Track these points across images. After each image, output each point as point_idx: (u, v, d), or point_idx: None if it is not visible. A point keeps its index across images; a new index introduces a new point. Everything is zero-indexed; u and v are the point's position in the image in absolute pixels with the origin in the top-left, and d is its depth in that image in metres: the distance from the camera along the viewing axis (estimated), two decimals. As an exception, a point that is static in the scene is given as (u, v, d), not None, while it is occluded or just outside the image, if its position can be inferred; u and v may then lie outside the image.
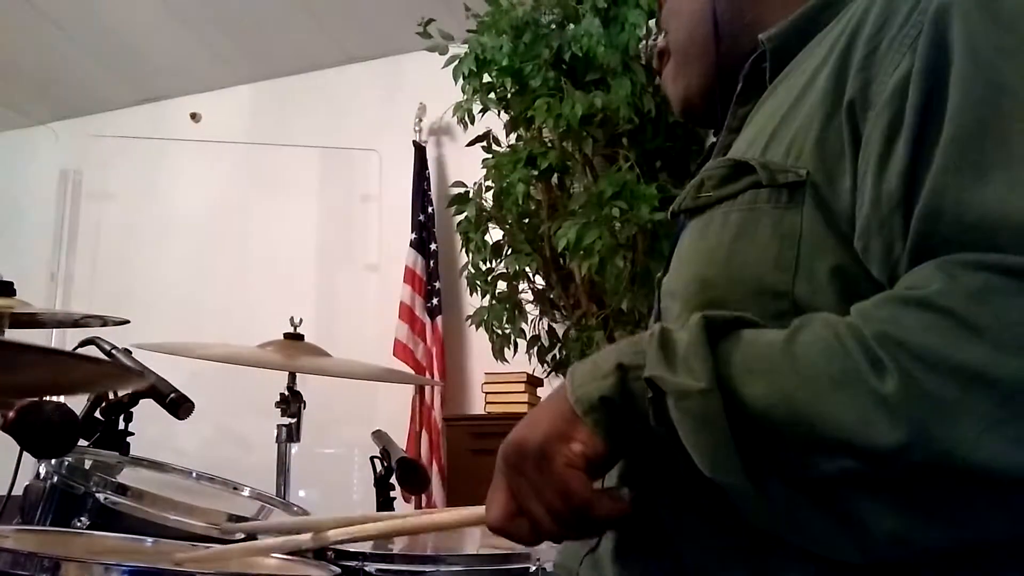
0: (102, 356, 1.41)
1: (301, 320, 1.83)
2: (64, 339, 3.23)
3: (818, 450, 0.52)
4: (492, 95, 2.79)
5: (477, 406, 3.30)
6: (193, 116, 4.12)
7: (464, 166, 3.33)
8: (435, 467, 3.20)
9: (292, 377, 1.79)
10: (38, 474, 1.19)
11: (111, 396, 1.40)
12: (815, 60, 0.66)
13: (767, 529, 0.57)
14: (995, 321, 0.48)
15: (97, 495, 1.12)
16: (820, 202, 0.60)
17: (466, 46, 2.75)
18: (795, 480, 0.54)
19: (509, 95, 2.76)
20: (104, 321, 1.67)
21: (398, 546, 1.46)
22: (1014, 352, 0.48)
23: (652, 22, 0.97)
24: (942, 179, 0.53)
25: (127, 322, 1.71)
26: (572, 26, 2.61)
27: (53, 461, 1.16)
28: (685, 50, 0.84)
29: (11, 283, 1.51)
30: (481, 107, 2.82)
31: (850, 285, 0.58)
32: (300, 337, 1.79)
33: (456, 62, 2.76)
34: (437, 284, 3.47)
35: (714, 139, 0.84)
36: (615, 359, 0.60)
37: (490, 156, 2.83)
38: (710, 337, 0.56)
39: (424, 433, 3.29)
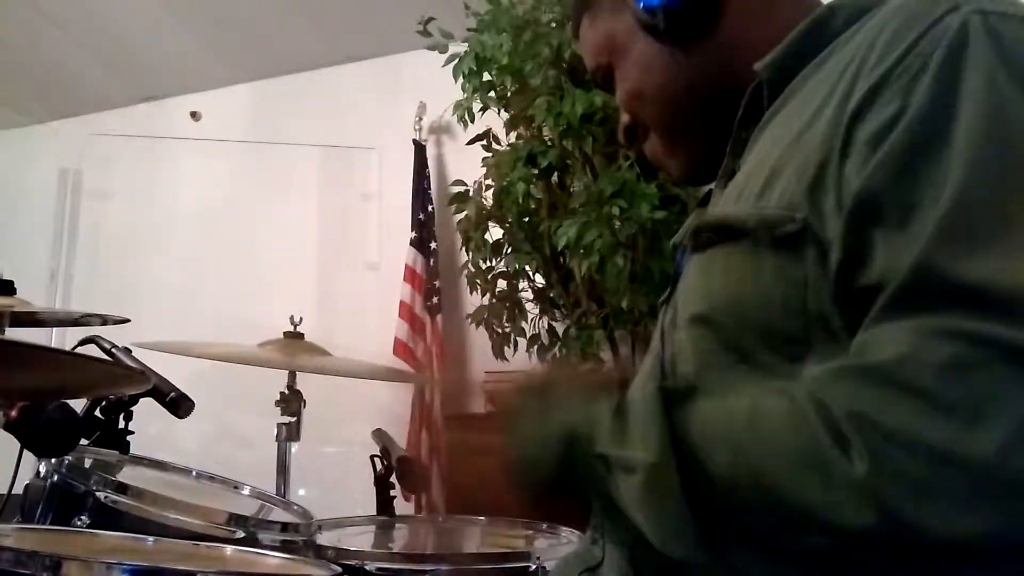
0: (102, 356, 1.41)
1: (301, 319, 1.83)
2: (64, 338, 3.23)
3: (788, 526, 0.51)
4: (492, 94, 2.78)
5: (477, 405, 3.30)
6: (193, 115, 4.12)
7: (464, 165, 3.32)
8: (435, 466, 3.20)
9: (292, 376, 1.80)
10: (38, 473, 1.19)
11: (111, 395, 1.40)
12: (821, 90, 0.64)
13: None
14: (965, 397, 0.46)
15: (97, 494, 1.13)
16: (822, 251, 0.58)
17: (466, 45, 2.75)
18: (764, 549, 0.53)
19: (509, 94, 2.76)
20: (104, 320, 1.67)
21: (398, 545, 1.46)
22: (984, 429, 0.46)
23: None
24: (935, 242, 0.51)
25: (127, 321, 1.71)
26: (572, 25, 2.60)
27: (53, 460, 1.16)
28: (671, 127, 0.82)
29: (11, 282, 1.51)
30: (481, 106, 2.81)
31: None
32: (300, 336, 1.79)
33: (456, 61, 2.76)
34: (437, 283, 3.47)
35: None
36: (566, 429, 0.60)
37: (490, 155, 2.83)
38: (666, 407, 0.55)
39: (424, 432, 3.29)
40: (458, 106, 2.83)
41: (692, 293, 0.69)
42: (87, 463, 1.29)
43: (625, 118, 0.87)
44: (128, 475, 1.33)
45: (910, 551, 0.48)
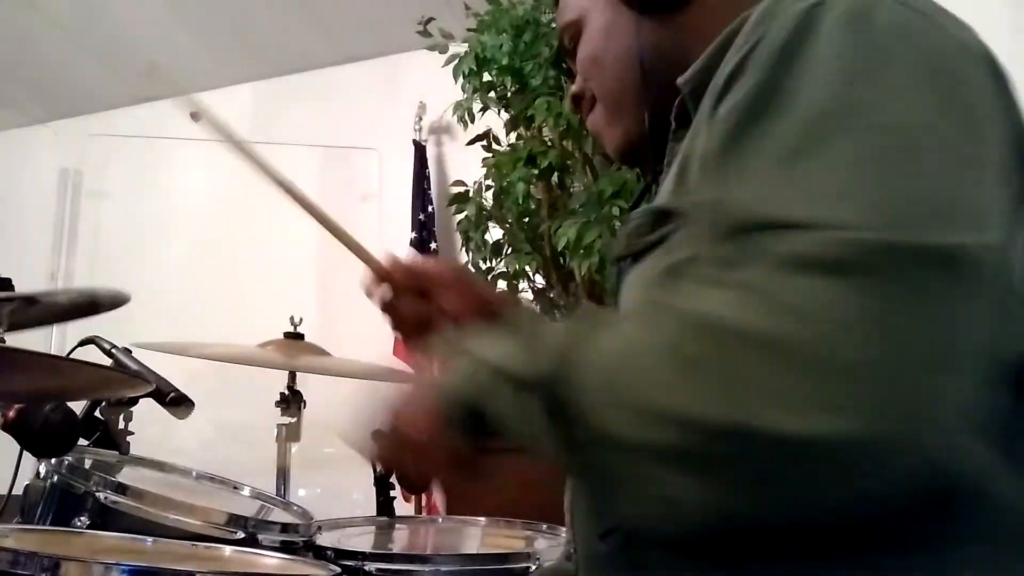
0: (103, 357, 1.42)
1: (301, 319, 1.83)
2: (64, 338, 3.23)
3: (639, 427, 0.50)
4: (492, 94, 2.78)
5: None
6: (193, 115, 4.11)
7: (464, 165, 3.32)
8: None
9: (292, 376, 1.80)
10: (38, 473, 1.19)
11: (111, 396, 1.40)
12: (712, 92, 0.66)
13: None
14: (799, 299, 0.47)
15: (97, 494, 1.12)
16: None
17: (466, 45, 2.75)
18: (611, 448, 0.52)
19: (509, 94, 2.76)
20: (98, 305, 1.65)
21: (398, 546, 1.46)
22: (824, 331, 0.46)
23: None
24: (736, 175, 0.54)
25: (127, 300, 1.69)
26: (572, 25, 2.60)
27: (53, 460, 1.16)
28: (617, 98, 0.83)
29: (9, 279, 1.51)
30: (481, 106, 2.81)
31: None
32: (300, 336, 1.79)
33: (456, 61, 2.76)
34: (437, 283, 3.47)
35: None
36: (468, 357, 0.62)
37: (490, 155, 2.83)
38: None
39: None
40: (458, 106, 2.83)
41: (631, 301, 0.70)
42: (87, 464, 1.29)
43: (576, 85, 0.88)
44: (128, 476, 1.33)
45: (739, 454, 0.47)
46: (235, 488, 1.45)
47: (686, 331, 0.49)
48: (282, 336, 1.78)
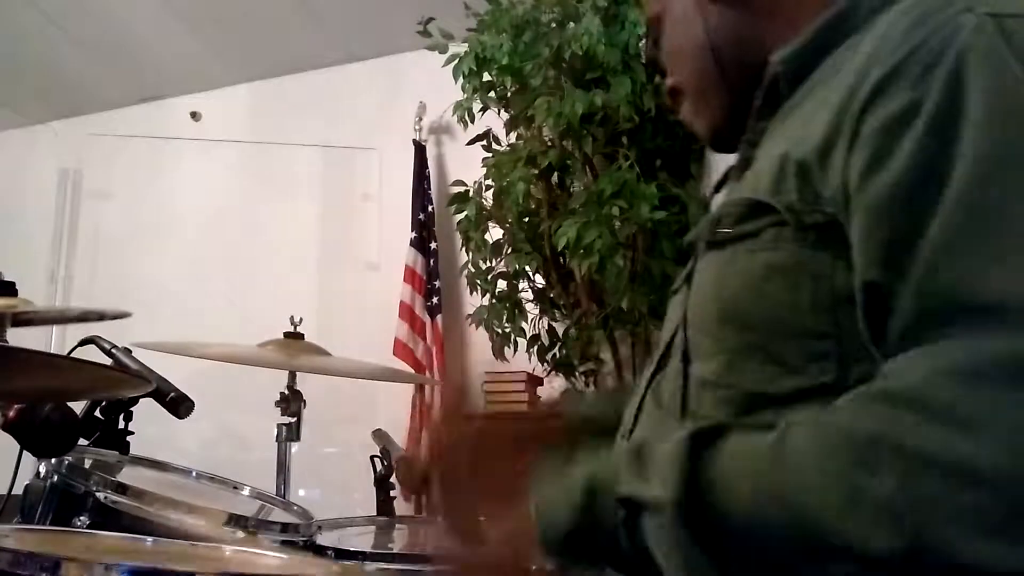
0: (103, 357, 1.41)
1: (301, 319, 1.83)
2: (64, 339, 3.23)
3: (810, 554, 0.49)
4: (492, 94, 2.78)
5: (477, 405, 3.30)
6: (193, 115, 4.12)
7: (464, 165, 3.32)
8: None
9: (292, 376, 1.80)
10: (38, 473, 1.19)
11: (111, 396, 1.39)
12: (835, 84, 0.63)
13: None
14: (987, 415, 0.46)
15: (97, 494, 1.13)
16: (844, 241, 0.58)
17: (466, 45, 2.75)
18: None
19: (509, 94, 2.76)
20: (102, 316, 1.66)
21: (398, 546, 1.46)
22: (1005, 449, 0.45)
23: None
24: (943, 255, 0.50)
25: (128, 315, 1.70)
26: (572, 25, 2.61)
27: (53, 460, 1.16)
28: (697, 88, 0.82)
29: (13, 283, 1.51)
30: (481, 106, 2.81)
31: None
32: (300, 336, 1.79)
33: (456, 61, 2.76)
34: (437, 283, 3.47)
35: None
36: (587, 475, 0.60)
37: (490, 155, 2.83)
38: (694, 448, 0.54)
39: (424, 432, 3.29)
40: (458, 106, 2.83)
41: (712, 290, 0.68)
42: (87, 464, 1.29)
43: (669, 80, 0.87)
44: (128, 476, 1.33)
45: None
46: (235, 488, 1.45)
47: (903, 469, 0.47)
48: (282, 336, 1.78)
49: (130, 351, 1.46)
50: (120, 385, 1.04)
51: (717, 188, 0.84)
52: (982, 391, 0.47)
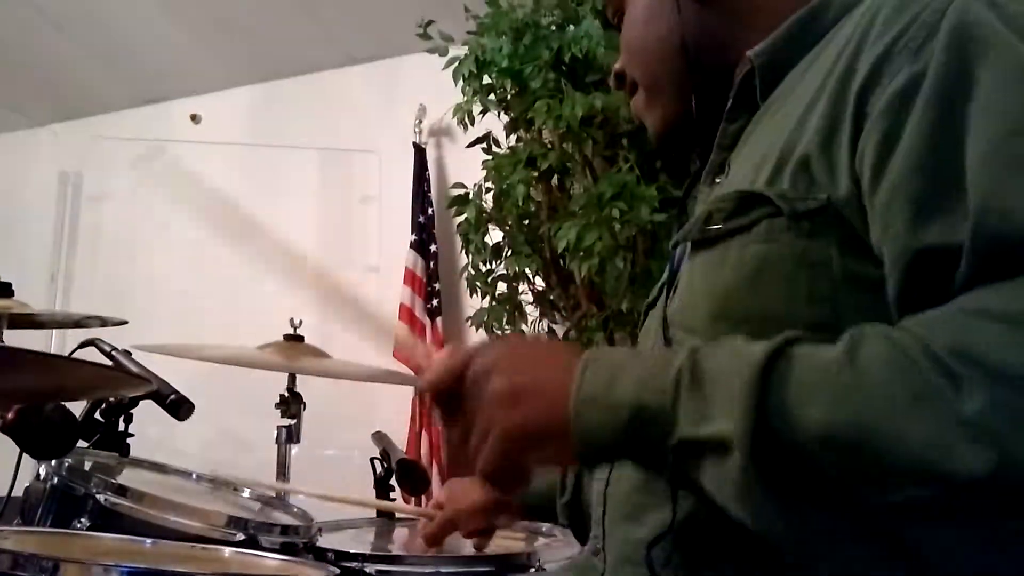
0: (103, 359, 1.42)
1: (301, 321, 1.83)
2: (64, 340, 3.23)
3: (884, 478, 0.46)
4: (492, 96, 2.79)
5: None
6: (193, 117, 4.12)
7: (464, 167, 3.32)
8: (435, 468, 3.20)
9: (292, 378, 1.79)
10: (38, 475, 1.19)
11: (111, 397, 1.40)
12: (819, 75, 0.63)
13: (799, 559, 0.53)
14: None
15: (97, 496, 1.12)
16: (846, 227, 0.57)
17: (466, 47, 2.75)
18: (841, 511, 0.49)
19: (509, 96, 2.76)
20: (103, 321, 1.67)
21: (398, 546, 1.46)
22: None
23: None
24: (993, 197, 0.50)
25: (125, 323, 1.71)
26: (572, 27, 2.61)
27: (53, 462, 1.16)
28: (657, 82, 0.82)
29: (9, 284, 1.51)
30: (481, 108, 2.82)
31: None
32: (300, 338, 1.79)
33: (456, 63, 2.76)
34: (437, 285, 3.47)
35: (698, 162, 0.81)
36: (634, 395, 0.54)
37: (490, 157, 2.83)
38: (764, 374, 0.50)
39: (424, 434, 3.29)
40: (458, 109, 2.83)
41: (704, 288, 0.67)
42: (87, 465, 1.29)
43: (618, 64, 0.86)
44: (128, 477, 1.33)
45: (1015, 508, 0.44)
46: (235, 490, 1.45)
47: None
48: (282, 338, 1.77)
49: (130, 353, 1.46)
50: (120, 385, 1.04)
51: (686, 194, 0.83)
52: None
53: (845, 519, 0.49)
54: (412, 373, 3.29)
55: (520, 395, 0.58)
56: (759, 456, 0.48)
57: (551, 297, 2.85)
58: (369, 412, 3.22)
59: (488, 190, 2.86)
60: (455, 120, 2.89)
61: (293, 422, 1.78)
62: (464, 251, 2.95)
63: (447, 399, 0.63)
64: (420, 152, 3.62)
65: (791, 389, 0.49)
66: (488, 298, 2.85)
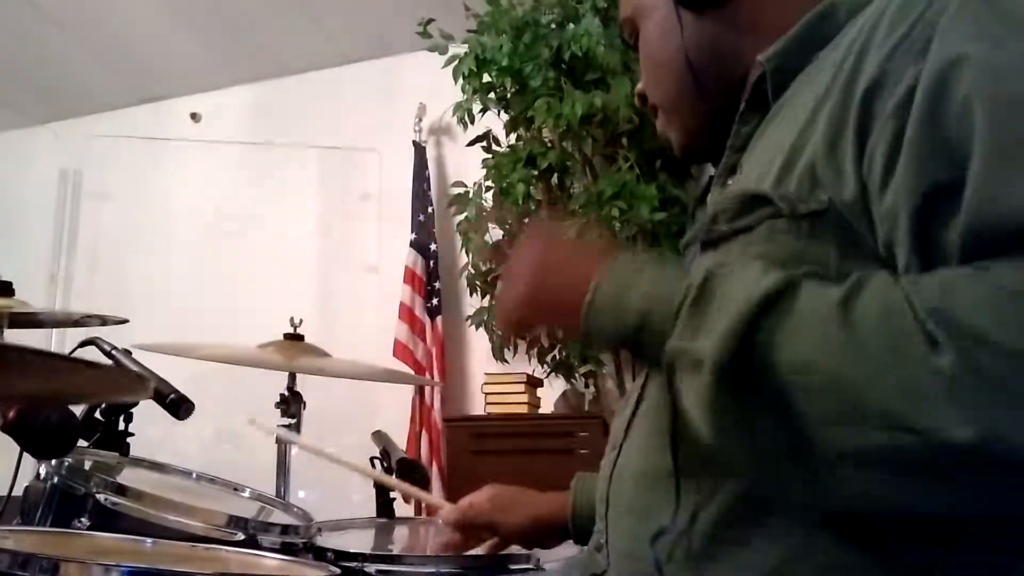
0: (103, 358, 1.41)
1: (301, 320, 1.83)
2: (64, 340, 3.23)
3: (851, 420, 0.49)
4: (492, 95, 2.79)
5: (477, 407, 3.30)
6: (193, 116, 4.12)
7: (464, 166, 3.32)
8: (435, 467, 3.20)
9: (292, 377, 1.79)
10: (38, 475, 1.19)
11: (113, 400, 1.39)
12: (827, 76, 0.64)
13: (722, 458, 0.59)
14: None
15: (97, 496, 1.12)
16: (847, 229, 0.58)
17: (466, 46, 2.75)
18: (801, 455, 0.52)
19: (509, 95, 2.77)
20: (103, 320, 1.67)
21: (398, 546, 1.46)
22: None
23: None
24: (992, 184, 0.51)
25: (126, 321, 1.71)
26: (572, 26, 2.61)
27: (53, 462, 1.16)
28: (670, 102, 0.83)
29: (10, 283, 1.51)
30: (481, 107, 2.82)
31: None
32: (300, 337, 1.79)
33: (456, 62, 2.76)
34: (437, 284, 3.47)
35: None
36: (644, 304, 0.60)
37: (490, 156, 2.84)
38: (761, 308, 0.53)
39: (424, 433, 3.29)
40: (458, 107, 2.83)
41: None
42: (87, 465, 1.29)
43: (639, 85, 0.88)
44: (128, 477, 1.33)
45: (996, 477, 0.46)
46: (235, 489, 1.45)
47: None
48: (282, 337, 1.77)
49: (130, 352, 1.46)
50: (120, 387, 1.04)
51: (702, 198, 0.84)
52: None
53: (801, 467, 0.52)
54: (412, 372, 3.30)
55: (543, 290, 0.68)
56: (729, 379, 0.53)
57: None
58: (369, 411, 3.22)
59: (488, 189, 2.86)
60: (455, 119, 2.89)
61: (293, 421, 1.78)
62: (464, 250, 2.95)
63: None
64: (420, 151, 3.62)
65: (783, 327, 0.52)
66: (488, 297, 2.85)
